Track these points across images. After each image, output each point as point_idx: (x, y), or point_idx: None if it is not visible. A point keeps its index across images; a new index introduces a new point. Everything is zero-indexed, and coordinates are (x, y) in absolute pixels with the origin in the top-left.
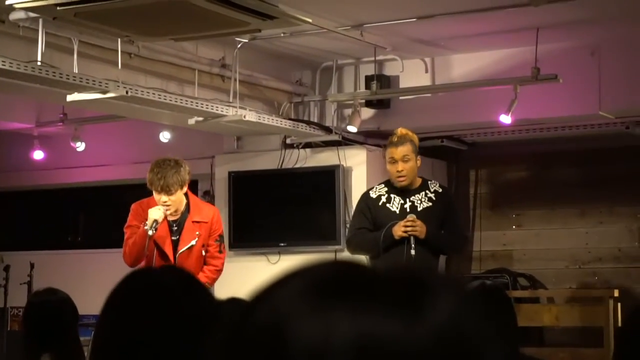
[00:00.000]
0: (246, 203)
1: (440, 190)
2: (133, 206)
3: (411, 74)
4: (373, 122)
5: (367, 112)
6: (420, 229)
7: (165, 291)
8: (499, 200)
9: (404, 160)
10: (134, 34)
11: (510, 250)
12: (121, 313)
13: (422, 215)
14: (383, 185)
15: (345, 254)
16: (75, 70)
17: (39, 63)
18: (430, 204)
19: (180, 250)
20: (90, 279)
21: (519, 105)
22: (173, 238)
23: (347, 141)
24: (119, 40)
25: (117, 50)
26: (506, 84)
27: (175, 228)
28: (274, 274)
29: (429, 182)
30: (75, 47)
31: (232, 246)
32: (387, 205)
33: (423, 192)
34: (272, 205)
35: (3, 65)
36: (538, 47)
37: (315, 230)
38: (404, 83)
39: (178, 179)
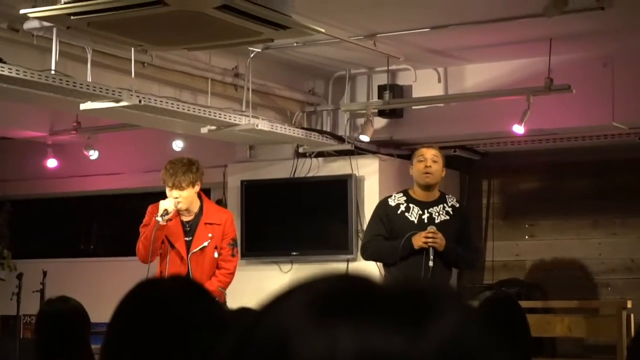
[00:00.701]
0: (258, 212)
1: (458, 206)
2: (149, 207)
3: (424, 83)
4: (386, 132)
5: (379, 122)
6: (440, 241)
7: (173, 301)
8: (511, 210)
9: (433, 161)
10: (147, 43)
11: (522, 260)
12: (129, 322)
13: (440, 228)
14: (402, 195)
15: (357, 264)
16: (89, 79)
17: (52, 72)
18: (447, 217)
19: (193, 251)
20: (103, 287)
21: (532, 115)
22: (186, 239)
23: (359, 150)
24: (133, 49)
25: (130, 60)
26: (519, 95)
27: (189, 229)
28: (282, 285)
29: (447, 196)
30: (89, 56)
31: (244, 255)
32: (406, 214)
33: (441, 205)
34: (285, 214)
35: (17, 74)
36: (551, 58)
37: (328, 240)
38: (416, 93)
39: (189, 175)
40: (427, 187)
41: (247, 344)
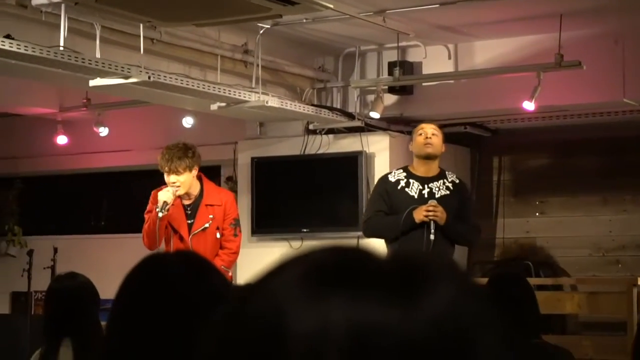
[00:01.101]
0: (269, 189)
1: (458, 182)
2: (153, 192)
3: (434, 60)
4: (396, 109)
5: (389, 99)
6: (441, 215)
7: (178, 276)
8: (522, 187)
9: (433, 134)
10: (156, 19)
11: (533, 237)
12: (134, 298)
13: (440, 202)
14: (402, 171)
15: (367, 240)
16: (98, 55)
17: (61, 48)
18: (447, 192)
19: (194, 232)
20: (112, 264)
21: (543, 92)
22: (188, 221)
23: (369, 127)
24: (141, 25)
25: (139, 36)
26: (529, 71)
27: (190, 212)
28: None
29: (447, 172)
30: (98, 33)
31: (254, 232)
32: (406, 189)
33: (441, 181)
34: (295, 191)
35: (26, 50)
36: (562, 34)
37: (338, 216)
38: (426, 69)
39: (186, 160)
40: (427, 159)
41: (238, 318)
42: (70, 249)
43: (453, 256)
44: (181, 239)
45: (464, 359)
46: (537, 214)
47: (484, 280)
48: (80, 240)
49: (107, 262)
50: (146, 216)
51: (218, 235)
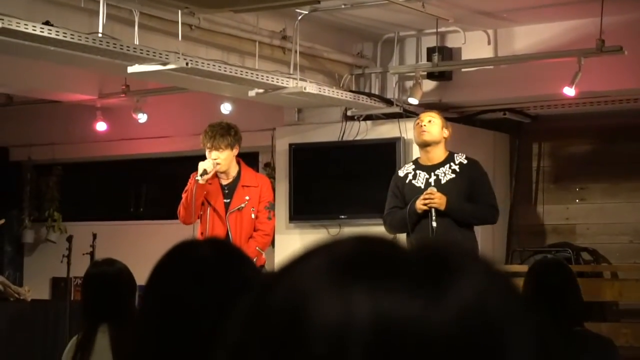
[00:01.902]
0: (307, 175)
1: (466, 162)
2: (192, 174)
3: (473, 45)
4: (434, 95)
5: (428, 84)
6: (438, 200)
7: (208, 263)
8: (562, 173)
9: (428, 121)
10: (194, 5)
11: (573, 224)
12: (165, 285)
13: (446, 187)
14: (411, 163)
15: None
16: (136, 42)
17: (100, 35)
18: (453, 175)
19: (231, 211)
20: (151, 250)
21: (583, 77)
22: (225, 200)
23: (408, 113)
24: (180, 12)
25: (177, 22)
26: (570, 56)
27: (227, 192)
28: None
29: (456, 154)
30: (136, 19)
31: (292, 218)
32: (413, 181)
33: (447, 165)
34: (333, 178)
35: (64, 37)
36: (603, 19)
37: (376, 203)
38: (466, 55)
39: (228, 138)
40: (425, 146)
41: (261, 307)
42: (109, 235)
43: (464, 239)
44: (219, 216)
45: (491, 352)
46: (577, 200)
47: (524, 267)
48: (119, 226)
49: (146, 248)
50: (184, 195)
51: (253, 216)
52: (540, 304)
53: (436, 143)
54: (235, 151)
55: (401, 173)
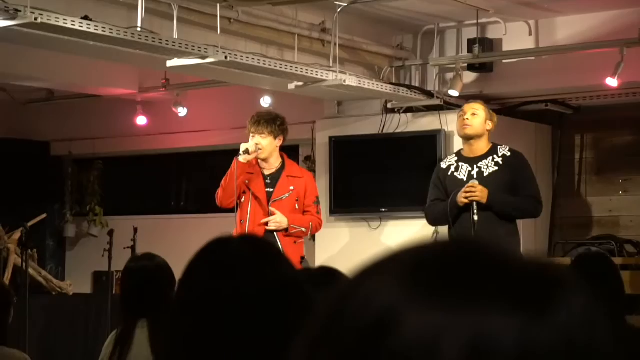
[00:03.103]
0: (347, 168)
1: (509, 154)
2: (235, 159)
3: (514, 36)
4: (475, 86)
5: (469, 76)
6: (480, 194)
7: (242, 260)
8: (604, 165)
9: (472, 114)
10: None
11: (616, 216)
12: (198, 280)
13: (489, 180)
14: (454, 155)
15: None
16: (175, 36)
17: (139, 29)
18: (497, 168)
19: (274, 199)
20: (192, 244)
21: (626, 68)
22: (267, 190)
23: (448, 105)
24: (218, 5)
25: (216, 16)
26: (612, 47)
27: (269, 181)
28: (376, 253)
29: (499, 146)
30: (175, 13)
31: (332, 212)
32: (455, 174)
33: (490, 157)
34: (373, 171)
35: (103, 31)
36: None
37: (417, 196)
38: (507, 46)
39: (272, 125)
40: (468, 139)
41: (339, 321)
42: (150, 229)
43: (506, 232)
44: (260, 205)
45: None
46: (620, 192)
47: (567, 260)
48: (160, 220)
49: (187, 242)
50: (223, 182)
51: (296, 207)
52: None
53: (479, 136)
54: (279, 142)
55: (443, 165)
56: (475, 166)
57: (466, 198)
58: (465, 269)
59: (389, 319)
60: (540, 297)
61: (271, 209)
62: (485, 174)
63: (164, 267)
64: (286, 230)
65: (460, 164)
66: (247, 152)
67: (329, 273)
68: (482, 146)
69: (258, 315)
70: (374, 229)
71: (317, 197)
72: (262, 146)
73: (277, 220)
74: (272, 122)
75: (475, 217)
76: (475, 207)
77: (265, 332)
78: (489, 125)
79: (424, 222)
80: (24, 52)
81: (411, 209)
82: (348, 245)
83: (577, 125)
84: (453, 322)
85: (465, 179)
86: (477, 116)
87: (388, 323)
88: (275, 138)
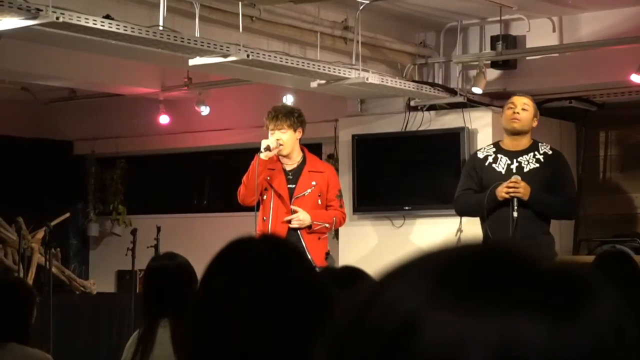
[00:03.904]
0: (370, 166)
1: (551, 153)
2: (255, 156)
3: (538, 33)
4: (499, 84)
5: (492, 73)
6: (523, 190)
7: (263, 260)
8: (629, 162)
9: (523, 109)
10: None
11: None
12: (218, 281)
13: (528, 176)
14: (492, 146)
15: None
16: (197, 34)
17: (160, 28)
18: (537, 165)
19: (297, 196)
20: (215, 243)
21: None
22: (289, 186)
23: (472, 103)
24: (240, 3)
25: (238, 14)
26: (637, 43)
27: (291, 177)
28: (400, 253)
29: (540, 144)
30: (197, 11)
31: (355, 210)
32: (493, 165)
33: (532, 153)
34: (396, 169)
35: (125, 30)
36: None
37: (440, 194)
38: (530, 43)
39: (291, 119)
40: (514, 134)
41: (363, 324)
42: (173, 228)
43: (543, 231)
44: (283, 202)
45: None
46: None
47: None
48: (183, 219)
49: (210, 241)
50: (245, 179)
51: (319, 202)
52: None
53: (525, 132)
54: (299, 134)
55: (480, 154)
56: (515, 160)
57: (507, 193)
58: (492, 273)
59: (414, 324)
60: (569, 301)
61: (293, 207)
62: (525, 170)
63: (185, 266)
64: (309, 227)
65: (499, 155)
66: (268, 148)
67: (353, 273)
68: (524, 141)
69: (279, 316)
70: (397, 228)
71: (340, 191)
72: (283, 141)
73: (300, 218)
74: (289, 115)
75: (515, 214)
76: (515, 203)
77: (287, 334)
78: (535, 122)
79: (447, 220)
80: (46, 51)
81: (435, 207)
82: (371, 244)
83: (602, 122)
84: (480, 327)
85: (503, 172)
86: (527, 111)
87: (413, 328)
88: (295, 131)
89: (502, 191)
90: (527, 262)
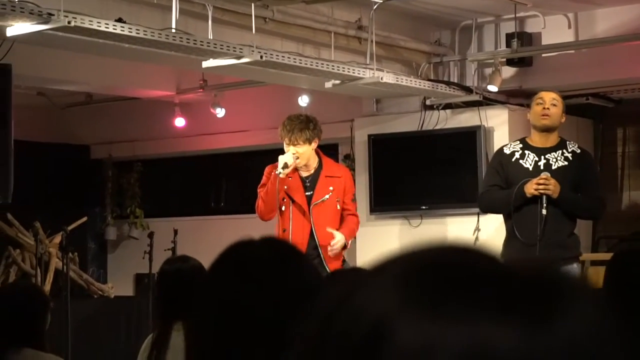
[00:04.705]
0: (387, 166)
1: (579, 151)
2: (267, 168)
3: (554, 30)
4: (515, 81)
5: (508, 71)
6: (553, 188)
7: (263, 263)
8: None
9: (552, 104)
10: None
11: None
12: (218, 285)
13: (556, 174)
14: (518, 142)
15: (487, 216)
16: (210, 36)
17: (173, 30)
18: (566, 163)
19: (315, 203)
20: None
21: None
22: (307, 193)
23: (488, 101)
24: (253, 4)
25: (251, 15)
26: None
27: (308, 184)
28: (410, 241)
29: (568, 142)
30: (210, 13)
31: (372, 210)
32: (520, 161)
33: (560, 151)
34: (413, 168)
35: (137, 33)
36: None
37: (457, 193)
38: (546, 40)
39: (306, 132)
40: (543, 130)
41: (331, 331)
42: (190, 231)
43: (570, 231)
44: (301, 211)
45: None
46: None
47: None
48: (200, 221)
49: (227, 243)
50: (260, 190)
51: (338, 207)
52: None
53: (554, 129)
54: (314, 145)
55: (507, 150)
56: (542, 157)
57: (537, 190)
58: (462, 277)
59: (383, 329)
60: (541, 305)
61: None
62: (553, 167)
63: (198, 268)
64: (345, 247)
65: (526, 152)
66: (285, 166)
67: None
68: (552, 138)
69: (280, 318)
70: (414, 227)
71: (354, 194)
72: (299, 154)
73: (340, 244)
74: (305, 129)
75: (544, 212)
76: (544, 201)
77: (287, 337)
78: (563, 118)
79: (465, 218)
80: (61, 56)
81: (452, 205)
82: (389, 244)
83: (619, 118)
84: (450, 332)
85: (531, 169)
86: (557, 107)
87: (382, 333)
88: (310, 144)
89: (531, 188)
90: (498, 266)
